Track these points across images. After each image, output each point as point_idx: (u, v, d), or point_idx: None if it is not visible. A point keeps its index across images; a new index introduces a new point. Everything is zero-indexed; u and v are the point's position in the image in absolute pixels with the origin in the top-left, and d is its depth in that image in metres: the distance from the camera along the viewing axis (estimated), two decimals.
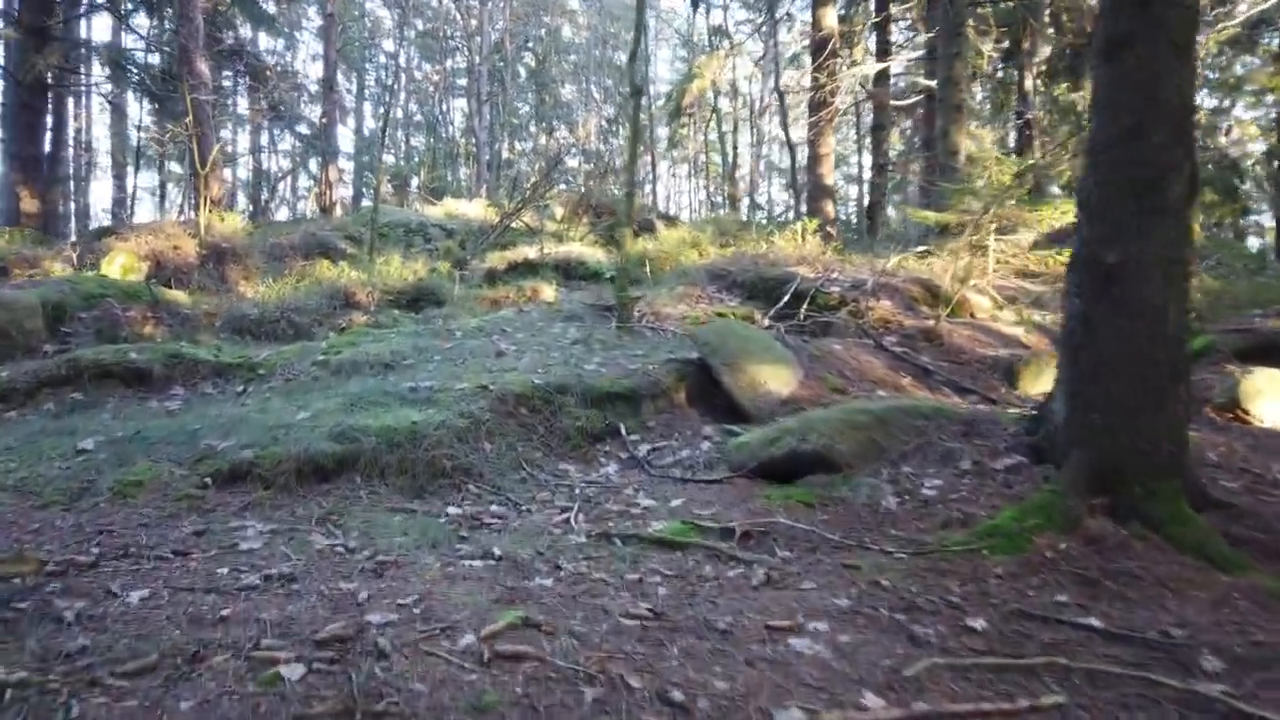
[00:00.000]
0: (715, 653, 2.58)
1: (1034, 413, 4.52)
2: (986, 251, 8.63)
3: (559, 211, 17.19)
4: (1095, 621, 2.79)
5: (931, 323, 7.49)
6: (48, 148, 15.86)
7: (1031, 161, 8.29)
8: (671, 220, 19.12)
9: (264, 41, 27.88)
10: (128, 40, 19.90)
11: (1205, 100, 20.50)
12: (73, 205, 25.34)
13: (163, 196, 28.79)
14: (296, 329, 8.51)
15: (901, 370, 6.63)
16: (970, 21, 12.81)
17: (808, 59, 18.93)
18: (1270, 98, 20.27)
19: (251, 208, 26.21)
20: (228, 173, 27.51)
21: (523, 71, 36.77)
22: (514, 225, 14.97)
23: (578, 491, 4.60)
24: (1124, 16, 3.76)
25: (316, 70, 28.86)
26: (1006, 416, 4.74)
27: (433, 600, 2.88)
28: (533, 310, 8.75)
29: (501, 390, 5.39)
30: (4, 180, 14.77)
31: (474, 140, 29.47)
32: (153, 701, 2.15)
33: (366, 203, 23.35)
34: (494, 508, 4.28)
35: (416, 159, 37.47)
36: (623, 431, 5.47)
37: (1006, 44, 15.64)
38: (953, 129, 11.57)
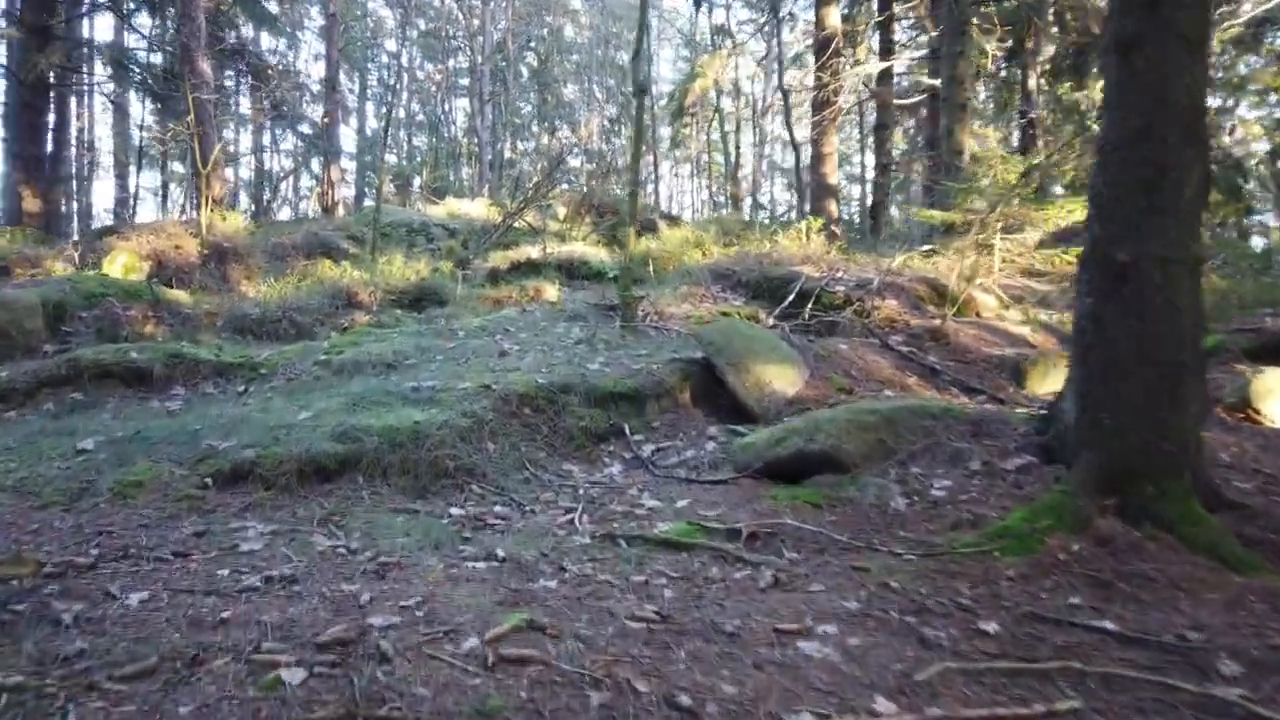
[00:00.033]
0: (723, 656, 2.54)
1: (1043, 412, 4.47)
2: (992, 250, 8.58)
3: (561, 211, 17.14)
4: (1109, 624, 2.75)
5: (938, 322, 7.44)
6: (50, 147, 15.83)
7: (1038, 160, 8.23)
8: (674, 220, 19.07)
9: (266, 41, 27.88)
10: (130, 40, 19.92)
11: (1209, 100, 20.38)
12: (75, 205, 25.35)
13: (165, 196, 28.77)
14: (298, 329, 8.47)
15: (908, 370, 6.58)
16: (974, 20, 12.74)
17: (811, 58, 18.89)
18: (1274, 97, 20.19)
19: (254, 207, 26.21)
20: (230, 172, 27.50)
21: (525, 71, 36.74)
22: (516, 225, 14.93)
23: (582, 492, 4.56)
24: (1132, 18, 3.72)
25: (319, 70, 28.93)
26: (1015, 416, 4.70)
27: (436, 602, 2.85)
28: (536, 310, 8.71)
29: (505, 390, 5.35)
30: (6, 180, 14.76)
31: (476, 140, 29.44)
32: (151, 706, 2.12)
33: (369, 202, 23.39)
34: (497, 508, 4.25)
35: (419, 159, 37.46)
36: (627, 431, 5.43)
37: (1010, 43, 15.56)
38: (957, 128, 11.52)
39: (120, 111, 23.60)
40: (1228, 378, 5.81)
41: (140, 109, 24.08)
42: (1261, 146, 21.10)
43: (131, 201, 23.61)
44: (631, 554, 3.50)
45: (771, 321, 7.83)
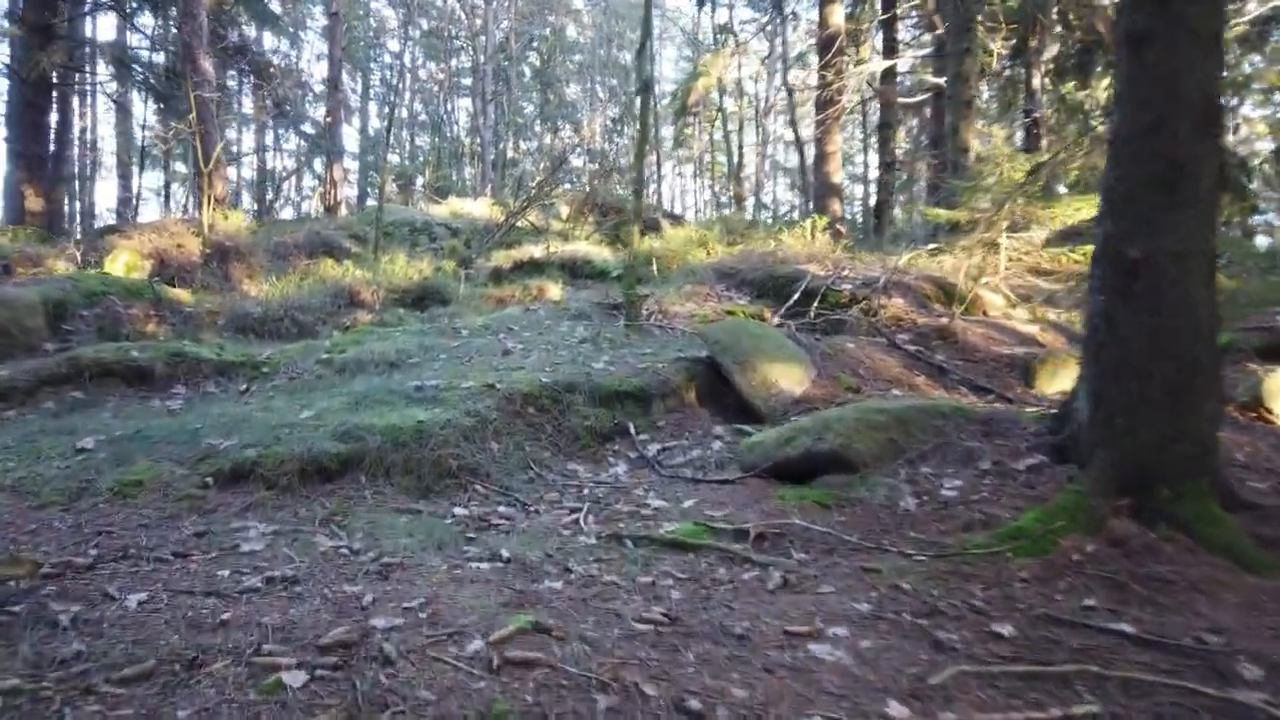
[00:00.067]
0: (732, 659, 2.50)
1: (1055, 412, 4.41)
2: (998, 249, 8.52)
3: (564, 210, 17.11)
4: (1126, 627, 2.70)
5: (945, 321, 7.39)
6: (52, 147, 15.77)
7: (1045, 158, 8.17)
8: (677, 220, 19.02)
9: (269, 41, 27.85)
10: (132, 39, 19.89)
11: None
12: (78, 205, 25.36)
13: (167, 196, 28.78)
14: (300, 327, 8.43)
15: (916, 369, 6.53)
16: (979, 17, 12.69)
17: (814, 58, 18.83)
18: (1279, 96, 20.12)
19: (256, 207, 26.20)
20: (232, 172, 27.54)
21: (527, 71, 36.72)
22: (519, 224, 14.89)
23: (587, 492, 4.52)
24: (1143, 13, 3.67)
25: (321, 70, 28.93)
26: (1026, 416, 4.64)
27: (439, 604, 2.80)
28: (539, 309, 8.67)
29: (508, 389, 5.30)
30: (9, 179, 14.72)
31: (479, 140, 29.41)
32: (149, 710, 2.08)
33: (371, 202, 23.37)
34: (501, 508, 4.20)
35: (421, 158, 37.44)
36: (632, 431, 5.38)
37: (1014, 41, 15.50)
38: (962, 126, 11.47)
39: (123, 111, 23.58)
40: (1240, 376, 5.75)
41: (143, 109, 24.11)
42: (1266, 145, 21.03)
43: (134, 201, 23.61)
44: (638, 555, 3.46)
45: (777, 320, 7.78)
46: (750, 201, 31.25)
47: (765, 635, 2.66)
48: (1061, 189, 13.25)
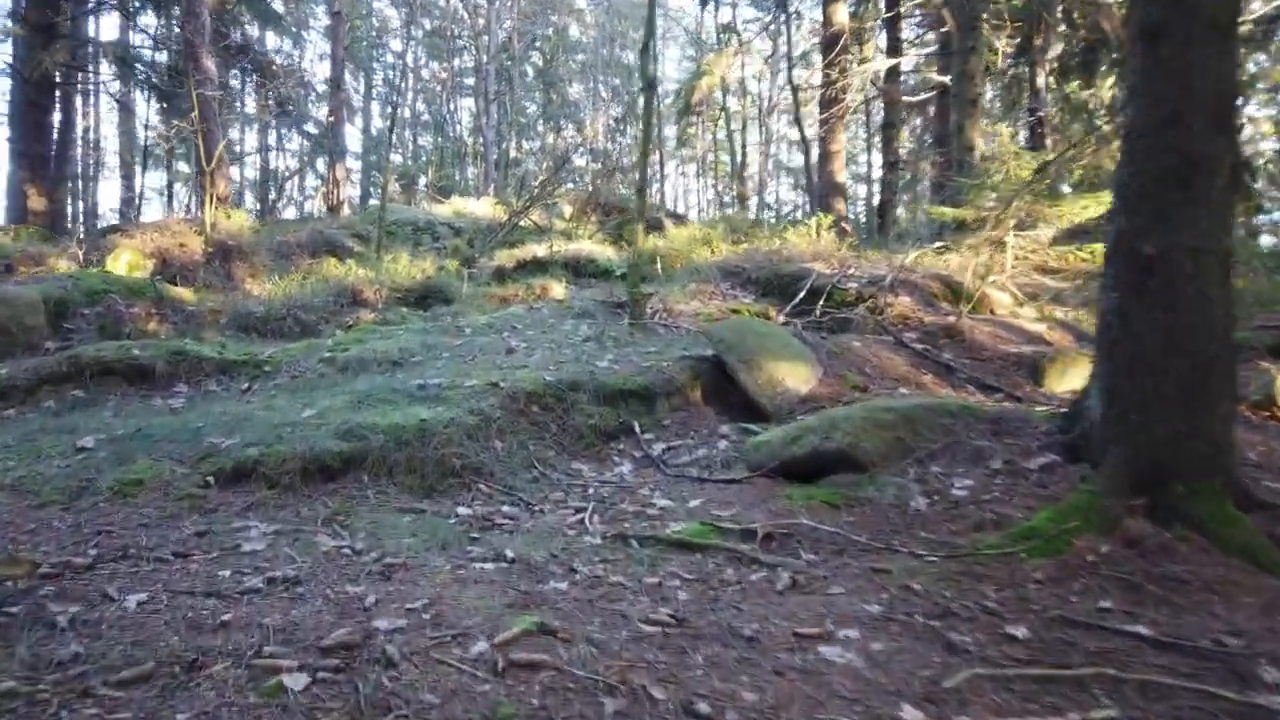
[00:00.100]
0: (742, 661, 2.46)
1: (1066, 410, 4.36)
2: (1005, 247, 8.47)
3: (567, 210, 17.07)
4: (1143, 629, 2.66)
5: (953, 319, 7.33)
6: (55, 146, 15.77)
7: (1053, 155, 8.11)
8: (680, 219, 18.98)
9: (271, 41, 27.84)
10: (135, 39, 19.89)
11: None
12: (81, 205, 25.38)
13: (170, 196, 28.77)
14: (303, 326, 8.40)
15: (923, 367, 6.48)
16: (985, 15, 12.62)
17: (817, 57, 18.78)
18: None
19: (259, 207, 26.19)
20: (235, 172, 27.54)
21: (530, 70, 36.67)
22: (522, 224, 14.85)
23: (592, 491, 4.47)
24: (1158, 5, 3.62)
25: (324, 70, 28.91)
26: (1037, 414, 4.59)
27: (443, 605, 2.76)
28: (543, 307, 8.63)
29: (512, 388, 5.26)
30: (11, 178, 14.70)
31: (481, 139, 29.36)
32: (148, 713, 2.05)
33: (374, 202, 23.33)
34: (505, 508, 4.16)
35: (424, 158, 37.42)
36: (637, 430, 5.34)
37: (1019, 40, 15.45)
38: (968, 124, 11.41)
39: (126, 111, 23.59)
40: (1252, 375, 5.69)
41: (146, 109, 24.11)
42: (1271, 145, 20.96)
43: (137, 201, 23.61)
44: (644, 555, 3.41)
45: (782, 319, 7.73)
46: (753, 201, 31.24)
47: (775, 637, 2.63)
48: (1065, 188, 13.20)
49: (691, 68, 29.93)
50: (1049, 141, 14.97)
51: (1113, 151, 8.27)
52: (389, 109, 33.73)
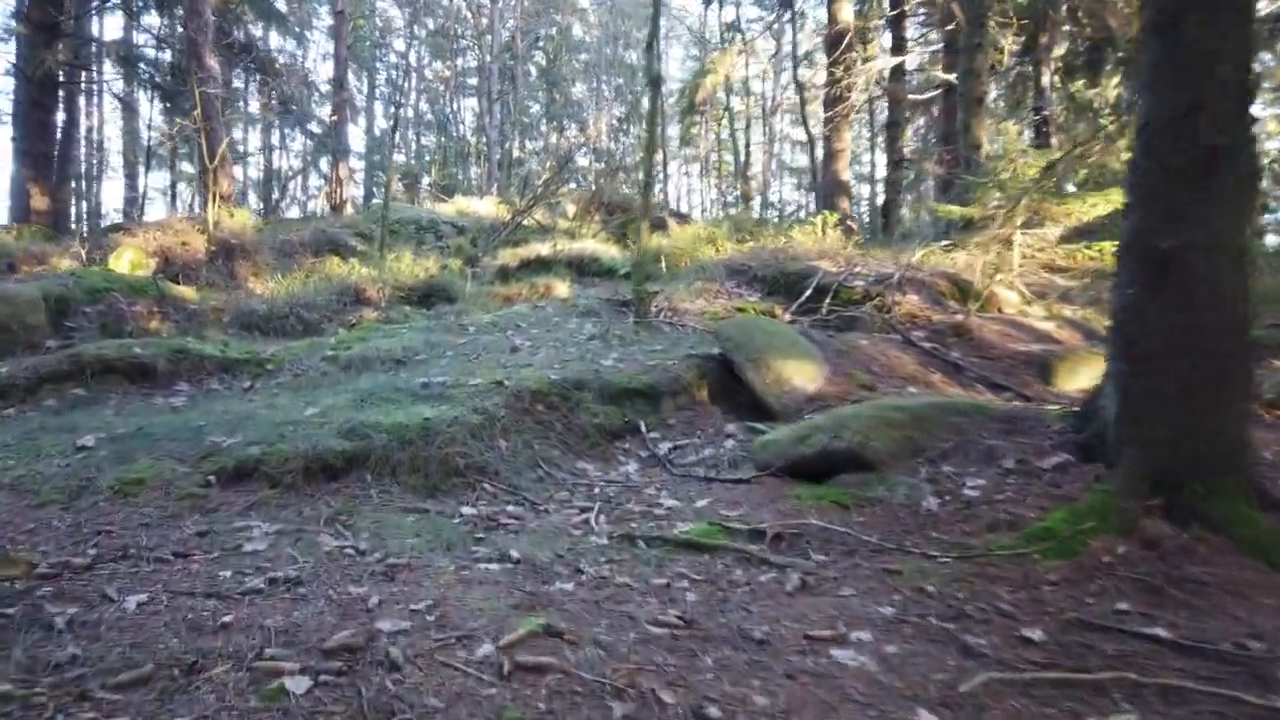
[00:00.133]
0: (752, 665, 2.41)
1: (1078, 409, 4.29)
2: (1012, 246, 8.40)
3: (571, 209, 17.03)
4: (1162, 631, 2.60)
5: (961, 317, 7.27)
6: (59, 146, 15.76)
7: (1061, 153, 8.04)
8: (684, 218, 18.94)
9: (275, 41, 27.81)
10: (139, 39, 19.88)
11: None
12: (85, 204, 25.38)
13: (174, 196, 28.81)
14: (306, 325, 8.36)
15: (931, 366, 6.41)
16: (991, 13, 12.55)
17: (821, 56, 18.73)
18: None
19: (262, 206, 26.18)
20: (239, 171, 27.52)
21: (533, 70, 36.64)
22: (526, 223, 14.82)
23: (597, 491, 4.42)
24: None
25: (327, 69, 28.88)
26: (1049, 413, 4.52)
27: (447, 606, 2.72)
28: (547, 306, 8.58)
29: (517, 386, 5.21)
30: (15, 178, 14.69)
31: (484, 139, 29.33)
32: (146, 717, 2.00)
33: (377, 201, 23.27)
34: (510, 508, 4.11)
35: (427, 158, 37.40)
36: (643, 429, 5.29)
37: (1024, 39, 15.37)
38: (974, 122, 11.34)
39: (129, 110, 23.61)
40: (1265, 374, 5.63)
41: (149, 109, 24.11)
42: (1276, 145, 20.86)
43: (140, 201, 23.62)
44: (651, 555, 3.36)
45: (789, 317, 7.67)
46: (757, 200, 31.18)
47: (785, 640, 2.58)
48: (1069, 187, 13.12)
49: (695, 67, 29.84)
50: (1054, 141, 14.90)
51: (1118, 150, 8.24)
52: (392, 108, 33.76)
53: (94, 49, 18.43)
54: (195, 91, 11.32)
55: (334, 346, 6.63)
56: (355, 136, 33.30)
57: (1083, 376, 6.10)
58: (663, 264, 10.51)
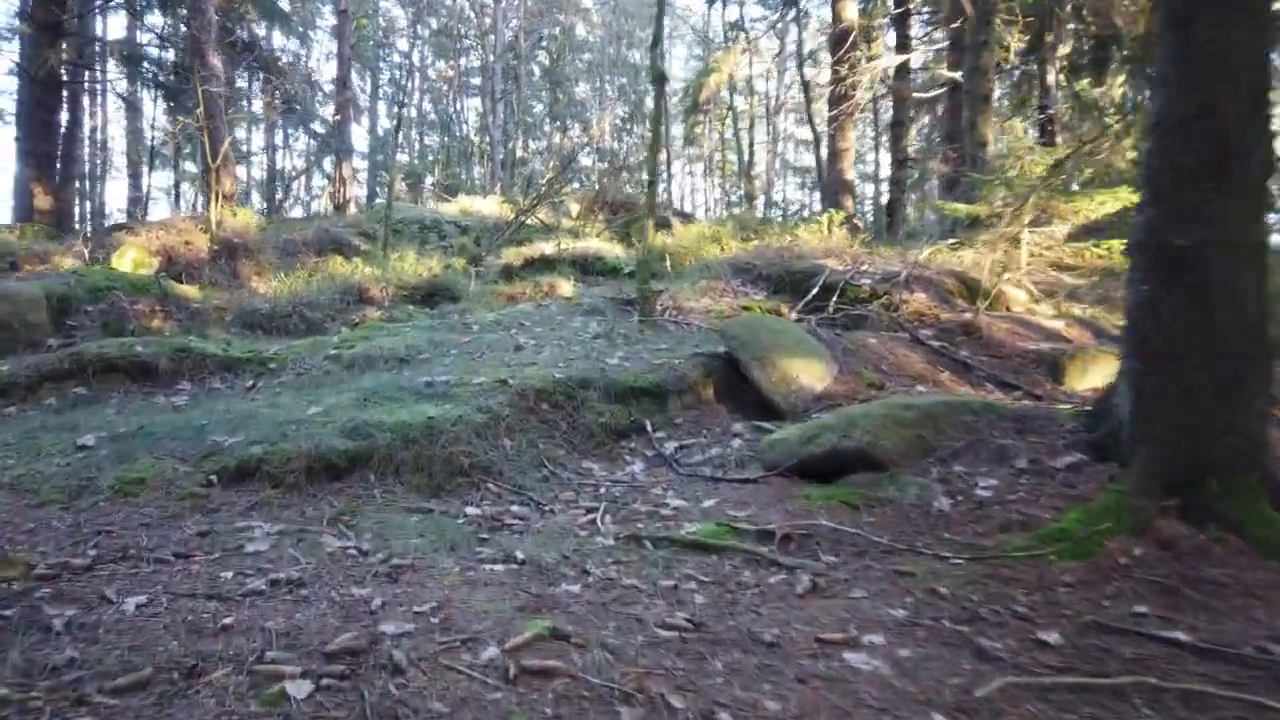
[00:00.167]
0: (763, 668, 2.37)
1: (1091, 408, 4.23)
2: (1020, 244, 8.34)
3: (574, 208, 16.98)
4: (1181, 635, 2.55)
5: (969, 316, 7.20)
6: (62, 145, 15.73)
7: (1068, 151, 7.98)
8: (688, 218, 18.88)
9: (278, 41, 27.80)
10: (142, 39, 19.88)
11: None
12: (88, 204, 25.38)
13: (177, 196, 28.82)
14: (309, 324, 8.32)
15: (939, 365, 6.36)
16: (998, 11, 12.48)
17: (826, 55, 18.68)
18: None
19: (266, 206, 26.17)
20: (242, 171, 27.52)
21: (537, 70, 36.60)
22: (529, 222, 14.77)
23: (603, 491, 4.37)
24: None
25: (331, 70, 28.83)
26: (1062, 412, 4.46)
27: (452, 608, 2.67)
28: (551, 304, 8.54)
29: (521, 385, 5.16)
30: (18, 177, 14.67)
31: (488, 138, 29.30)
32: None
33: (380, 201, 23.24)
34: (515, 508, 4.06)
35: (430, 157, 37.39)
36: (648, 428, 5.23)
37: (1029, 37, 15.30)
38: (980, 120, 11.28)
39: (133, 110, 23.60)
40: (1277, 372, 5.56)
41: (153, 109, 24.11)
42: None
43: (144, 201, 23.62)
44: (658, 556, 3.31)
45: (795, 315, 7.61)
46: (760, 200, 31.13)
47: (796, 643, 2.53)
48: (1073, 186, 13.04)
49: (699, 66, 29.79)
50: (1059, 139, 14.83)
51: (1124, 149, 8.17)
52: (395, 108, 33.70)
53: (97, 48, 18.43)
54: (198, 90, 11.28)
55: (337, 345, 6.59)
56: (359, 136, 33.33)
57: (1094, 375, 6.05)
58: (667, 263, 10.45)
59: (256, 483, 4.08)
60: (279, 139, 31.66)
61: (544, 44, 35.78)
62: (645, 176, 8.50)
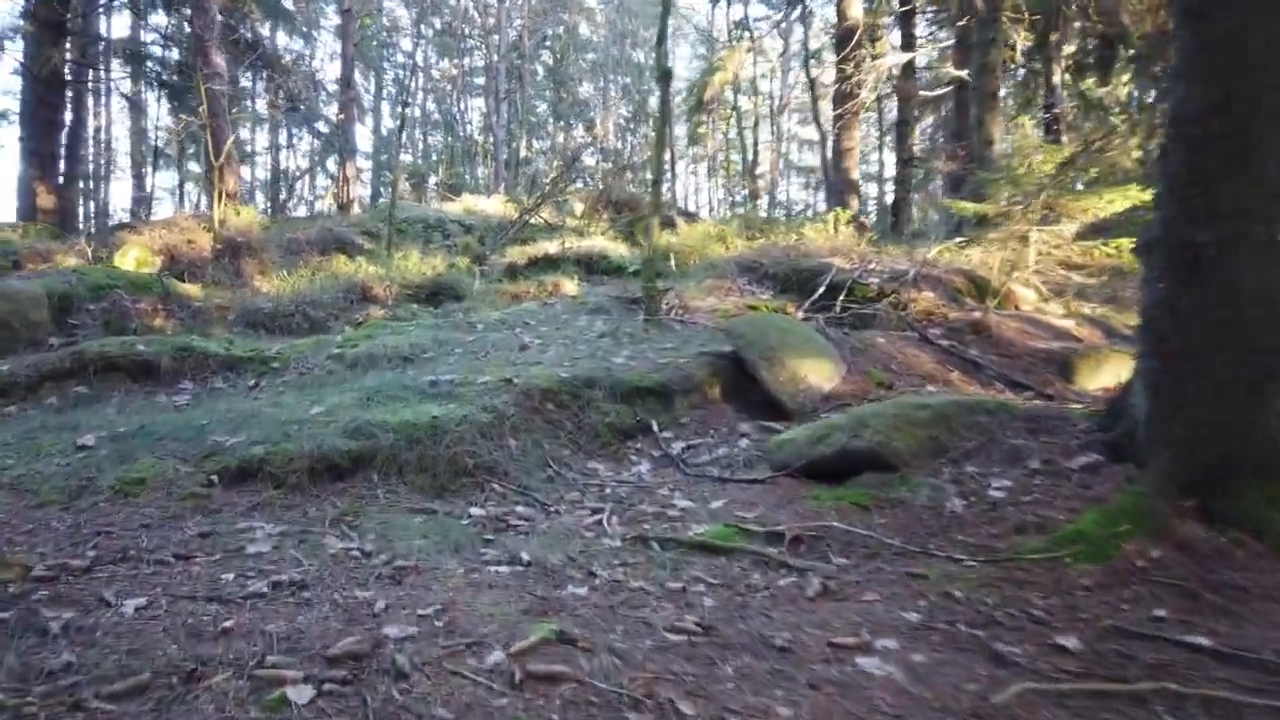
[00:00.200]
0: (774, 674, 2.32)
1: (1106, 408, 4.16)
2: (1028, 242, 8.28)
3: (578, 208, 16.94)
4: (1202, 640, 2.49)
5: (978, 315, 7.14)
6: (65, 145, 15.72)
7: (1078, 149, 7.92)
8: (692, 217, 18.85)
9: (282, 40, 27.81)
10: (146, 38, 19.87)
11: None
12: (92, 204, 25.41)
13: (181, 196, 28.86)
14: (312, 323, 8.28)
15: (949, 364, 6.29)
16: (1004, 8, 12.43)
17: (830, 55, 18.64)
18: None
19: (269, 205, 26.17)
20: (246, 171, 27.52)
21: (540, 69, 36.57)
22: (533, 221, 14.73)
23: (609, 491, 4.32)
24: None
25: (335, 69, 28.84)
26: (1076, 412, 4.39)
27: (456, 611, 2.62)
28: (556, 303, 8.49)
29: (526, 384, 5.11)
30: (22, 176, 14.66)
31: (492, 138, 29.28)
32: None
33: (384, 200, 23.24)
34: (520, 509, 4.00)
35: (434, 157, 37.37)
36: (655, 428, 5.17)
37: (1035, 35, 15.23)
38: (988, 118, 11.23)
39: (136, 109, 23.61)
40: None
41: (156, 108, 24.13)
42: None
43: (148, 200, 23.62)
44: (666, 558, 3.26)
45: (802, 314, 7.55)
46: (764, 200, 31.06)
47: (808, 647, 2.48)
48: (1078, 186, 12.97)
49: (702, 65, 29.74)
50: (1064, 138, 14.77)
51: (1130, 149, 8.12)
52: (399, 108, 33.62)
53: (101, 47, 18.42)
54: (201, 88, 11.26)
55: (340, 344, 6.54)
56: (362, 136, 33.37)
57: (1105, 374, 5.99)
58: (672, 261, 10.40)
59: (258, 483, 4.02)
60: (283, 138, 31.74)
61: (548, 43, 35.73)
62: (650, 175, 8.45)
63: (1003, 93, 19.79)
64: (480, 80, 35.22)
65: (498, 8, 29.78)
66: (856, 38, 15.36)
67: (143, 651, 2.27)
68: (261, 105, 26.76)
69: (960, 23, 14.05)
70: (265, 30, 23.43)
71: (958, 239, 9.43)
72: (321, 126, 24.60)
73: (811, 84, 18.84)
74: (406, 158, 34.39)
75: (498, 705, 2.05)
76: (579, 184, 20.32)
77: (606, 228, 14.88)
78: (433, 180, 28.72)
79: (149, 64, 18.01)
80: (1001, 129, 12.03)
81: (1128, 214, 7.89)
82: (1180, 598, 2.76)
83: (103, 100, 24.93)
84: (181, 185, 28.84)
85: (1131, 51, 14.82)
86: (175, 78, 17.30)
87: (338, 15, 24.97)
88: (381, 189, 31.78)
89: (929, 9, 18.11)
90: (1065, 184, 7.80)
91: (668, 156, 28.61)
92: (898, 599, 2.85)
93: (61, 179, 15.19)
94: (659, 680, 2.21)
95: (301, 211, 29.28)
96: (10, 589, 2.64)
